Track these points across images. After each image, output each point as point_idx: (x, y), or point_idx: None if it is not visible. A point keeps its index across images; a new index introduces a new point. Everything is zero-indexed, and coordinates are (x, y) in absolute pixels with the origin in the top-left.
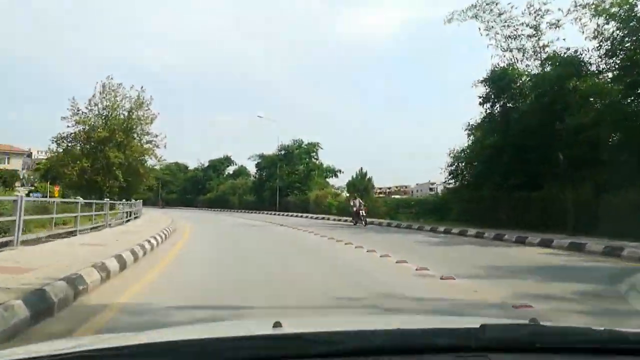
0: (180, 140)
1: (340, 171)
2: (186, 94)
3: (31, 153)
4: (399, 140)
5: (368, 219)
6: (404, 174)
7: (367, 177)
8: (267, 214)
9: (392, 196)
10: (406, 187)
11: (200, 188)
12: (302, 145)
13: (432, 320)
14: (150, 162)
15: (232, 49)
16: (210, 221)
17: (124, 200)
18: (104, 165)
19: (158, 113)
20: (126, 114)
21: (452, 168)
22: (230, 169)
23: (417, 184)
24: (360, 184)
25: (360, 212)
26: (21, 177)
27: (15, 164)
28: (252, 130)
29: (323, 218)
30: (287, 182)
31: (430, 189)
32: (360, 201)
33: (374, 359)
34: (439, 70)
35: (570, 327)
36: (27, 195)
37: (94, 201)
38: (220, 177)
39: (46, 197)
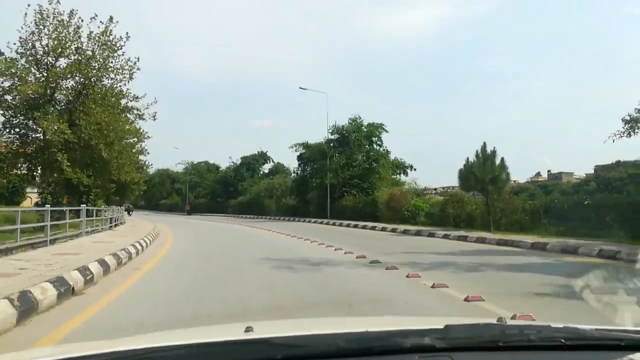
0: (212, 142)
1: (411, 167)
2: (222, 98)
3: None
4: (441, 139)
5: (499, 237)
6: (439, 173)
7: (498, 160)
8: (316, 222)
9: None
10: (454, 187)
11: (232, 190)
12: (362, 128)
13: (397, 322)
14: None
15: (269, 53)
16: (226, 253)
17: (84, 206)
18: (39, 147)
19: (137, 59)
20: (78, 58)
21: None
22: (266, 168)
23: None
24: (486, 172)
25: None
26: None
27: None
28: (293, 128)
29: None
30: (342, 179)
31: None
32: None
33: None
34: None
35: (531, 325)
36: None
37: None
38: (254, 177)
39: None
